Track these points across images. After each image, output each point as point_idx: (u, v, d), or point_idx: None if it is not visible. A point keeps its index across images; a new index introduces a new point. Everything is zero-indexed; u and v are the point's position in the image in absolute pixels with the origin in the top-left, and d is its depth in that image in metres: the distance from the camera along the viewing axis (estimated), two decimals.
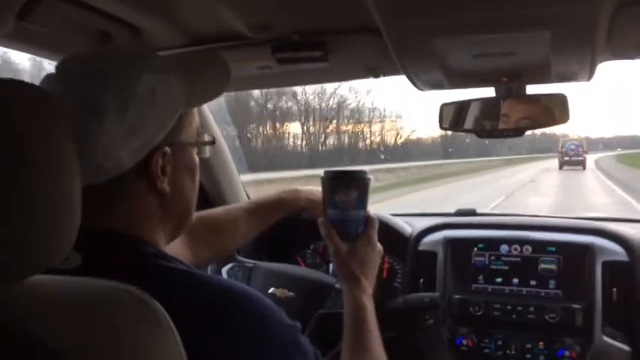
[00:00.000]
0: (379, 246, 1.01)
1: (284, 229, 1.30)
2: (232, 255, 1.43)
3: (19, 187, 0.47)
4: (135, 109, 0.69)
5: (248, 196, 1.81)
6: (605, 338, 1.40)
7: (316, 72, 1.31)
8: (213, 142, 0.85)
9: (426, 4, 0.91)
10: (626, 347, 1.39)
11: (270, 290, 1.31)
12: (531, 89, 1.31)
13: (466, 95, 1.38)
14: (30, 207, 0.48)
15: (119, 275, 0.57)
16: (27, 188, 0.48)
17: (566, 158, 33.49)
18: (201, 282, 0.69)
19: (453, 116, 1.43)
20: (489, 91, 1.33)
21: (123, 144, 0.69)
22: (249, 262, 1.42)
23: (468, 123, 1.41)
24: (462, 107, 1.40)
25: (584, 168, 31.84)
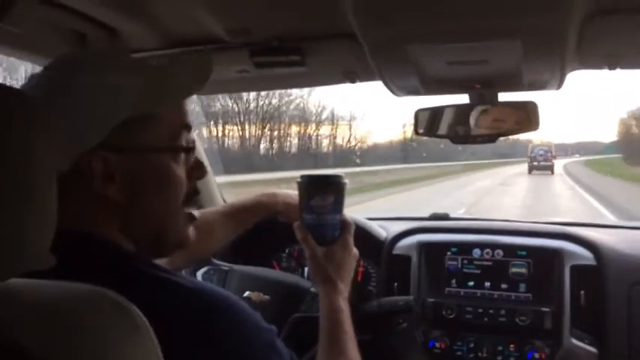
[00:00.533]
0: (355, 250, 1.02)
1: (259, 232, 1.30)
2: (208, 258, 1.43)
3: None
4: (62, 110, 0.67)
5: (224, 200, 1.81)
6: (574, 340, 1.43)
7: (294, 76, 1.32)
8: (187, 149, 0.77)
9: (401, 13, 0.93)
10: (593, 349, 1.43)
11: (246, 294, 1.31)
12: (504, 97, 1.34)
13: (441, 102, 1.40)
14: (3, 209, 0.48)
15: (96, 278, 0.56)
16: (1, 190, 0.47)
17: (535, 163, 34.19)
18: (179, 286, 0.68)
19: (428, 122, 1.46)
20: (463, 98, 1.36)
21: (44, 144, 0.62)
22: (225, 266, 1.42)
23: (442, 129, 1.44)
24: (436, 113, 1.43)
25: (552, 172, 32.50)
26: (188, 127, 0.77)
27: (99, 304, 0.53)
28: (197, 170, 0.80)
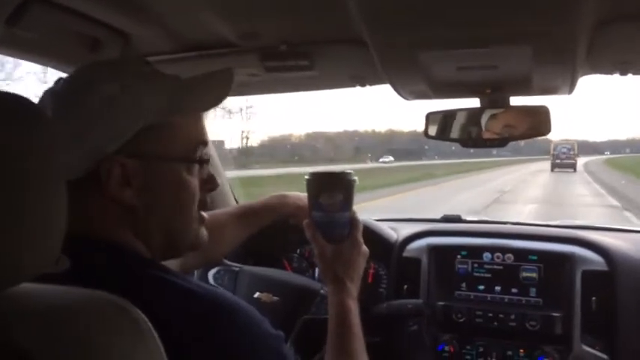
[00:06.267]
0: (365, 248, 1.01)
1: (271, 233, 1.31)
2: (219, 259, 1.44)
3: (3, 195, 0.48)
4: (83, 116, 0.69)
5: (236, 201, 1.82)
6: (584, 347, 1.42)
7: (303, 80, 1.32)
8: (202, 161, 0.79)
9: (411, 19, 0.93)
10: (604, 356, 1.41)
11: (256, 295, 1.32)
12: (515, 101, 1.34)
13: (447, 105, 1.40)
14: (14, 215, 0.49)
15: (106, 283, 0.57)
16: (10, 197, 0.49)
17: (558, 161, 34.10)
18: (186, 292, 0.69)
19: (439, 125, 1.45)
20: (474, 102, 1.35)
21: (65, 150, 0.65)
22: (236, 266, 1.43)
23: (454, 132, 1.43)
24: (447, 117, 1.43)
25: (574, 170, 32.32)
26: (205, 143, 0.79)
27: (103, 310, 0.54)
28: (209, 183, 0.82)
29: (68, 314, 0.52)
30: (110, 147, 0.70)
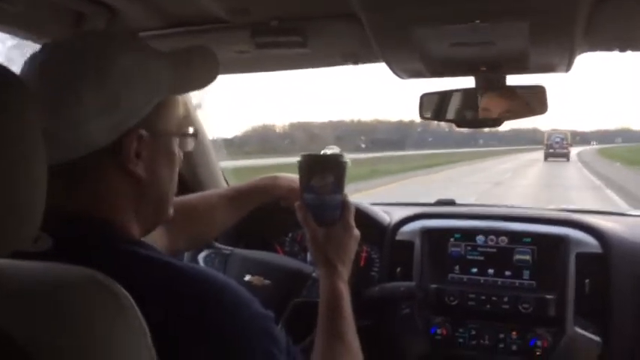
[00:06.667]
0: (356, 231, 1.00)
1: (263, 216, 1.29)
2: (209, 241, 1.42)
3: None
4: (110, 87, 0.69)
5: (227, 183, 1.80)
6: (577, 329, 1.41)
7: (295, 57, 1.29)
8: (195, 135, 0.84)
9: None
10: (597, 338, 1.41)
11: (247, 278, 1.31)
12: (511, 80, 1.32)
13: (446, 85, 1.38)
14: None
15: (91, 260, 0.56)
16: None
17: (551, 150, 34.57)
18: (175, 271, 0.68)
19: (435, 106, 1.43)
20: (469, 81, 1.33)
21: (96, 121, 0.68)
22: (227, 249, 1.41)
23: (450, 113, 1.42)
24: (443, 97, 1.41)
25: (568, 160, 32.70)
26: (185, 117, 0.83)
27: (84, 285, 0.52)
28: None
29: (47, 290, 0.50)
30: (134, 120, 0.71)
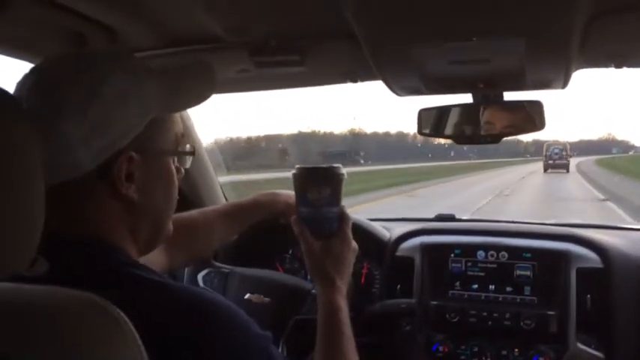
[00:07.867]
0: (354, 244, 0.99)
1: (262, 233, 1.29)
2: (208, 260, 1.42)
3: None
4: (99, 109, 0.67)
5: (226, 199, 1.80)
6: (579, 345, 1.40)
7: (294, 76, 1.31)
8: (192, 153, 0.82)
9: (401, 12, 0.91)
10: (599, 354, 1.40)
11: (246, 296, 1.30)
12: (509, 96, 1.32)
13: (443, 101, 1.38)
14: None
15: (89, 284, 0.56)
16: None
17: (551, 162, 34.58)
18: (172, 292, 0.68)
19: (433, 122, 1.44)
20: (467, 98, 1.34)
21: (83, 144, 0.66)
22: (226, 268, 1.41)
23: (448, 129, 1.42)
24: (441, 113, 1.41)
25: (567, 171, 32.72)
26: (183, 134, 0.81)
27: (83, 309, 0.52)
28: (179, 172, 0.83)
29: (46, 314, 0.50)
30: (123, 141, 0.69)
